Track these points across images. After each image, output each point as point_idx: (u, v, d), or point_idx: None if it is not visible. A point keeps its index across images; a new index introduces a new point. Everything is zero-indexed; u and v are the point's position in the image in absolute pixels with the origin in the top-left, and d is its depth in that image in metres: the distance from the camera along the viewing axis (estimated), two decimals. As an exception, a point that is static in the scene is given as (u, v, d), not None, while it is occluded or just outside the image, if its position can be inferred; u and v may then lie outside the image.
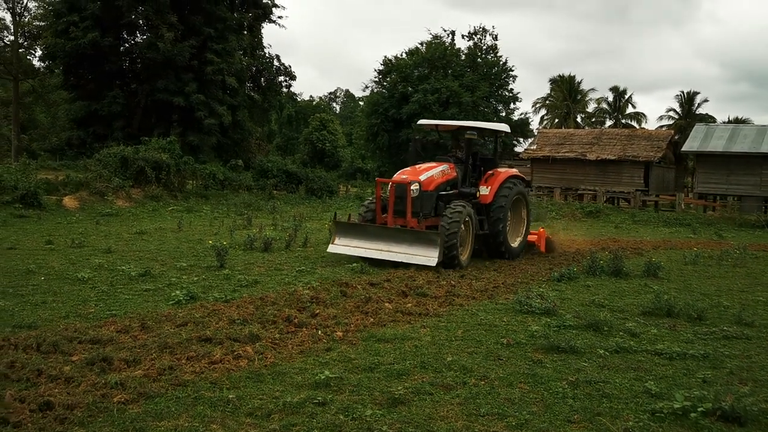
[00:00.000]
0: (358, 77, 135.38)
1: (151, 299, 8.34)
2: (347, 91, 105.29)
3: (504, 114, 49.75)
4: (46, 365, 5.34)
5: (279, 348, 6.37)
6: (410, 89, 47.39)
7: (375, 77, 53.24)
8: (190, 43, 34.70)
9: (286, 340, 6.68)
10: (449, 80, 46.83)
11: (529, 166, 49.85)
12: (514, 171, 14.52)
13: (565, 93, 67.59)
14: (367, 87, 56.87)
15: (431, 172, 12.67)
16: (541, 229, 15.70)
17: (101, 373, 5.28)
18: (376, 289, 9.58)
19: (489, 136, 19.82)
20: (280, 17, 42.17)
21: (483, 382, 5.58)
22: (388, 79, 51.34)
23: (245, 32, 41.25)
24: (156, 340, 6.26)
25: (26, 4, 43.67)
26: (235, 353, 6.02)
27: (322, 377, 5.37)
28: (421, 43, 51.42)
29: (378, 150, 50.96)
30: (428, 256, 11.37)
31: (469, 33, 50.83)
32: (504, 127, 14.92)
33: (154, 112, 37.30)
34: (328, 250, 12.38)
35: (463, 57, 50.19)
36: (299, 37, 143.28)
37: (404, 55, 51.90)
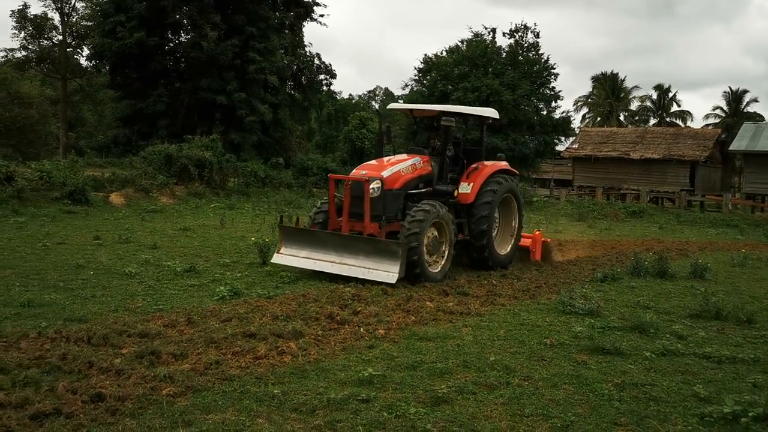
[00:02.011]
0: (397, 75, 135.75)
1: (196, 295, 8.48)
2: (386, 89, 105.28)
3: (545, 112, 49.17)
4: (97, 357, 5.47)
5: (322, 344, 6.42)
6: (450, 87, 47.14)
7: (415, 75, 53.05)
8: (233, 42, 35.13)
9: (329, 336, 6.73)
10: (490, 78, 46.44)
11: (570, 165, 49.33)
12: (503, 164, 12.38)
13: (608, 91, 66.55)
14: (406, 85, 56.70)
15: (398, 166, 10.74)
16: (537, 233, 13.67)
17: (150, 366, 5.39)
18: (416, 287, 9.58)
19: (473, 124, 17.88)
20: (321, 15, 42.45)
21: (527, 383, 5.54)
22: (428, 77, 51.16)
23: (286, 31, 41.59)
24: (202, 335, 6.37)
25: (74, 4, 44.67)
26: (279, 349, 6.09)
27: (366, 374, 5.40)
28: (462, 41, 51.11)
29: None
30: (387, 271, 9.38)
31: (510, 31, 50.28)
32: (491, 112, 12.76)
33: (197, 111, 37.86)
34: (272, 260, 10.50)
35: (504, 55, 49.69)
36: (339, 35, 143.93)
37: (444, 53, 51.67)
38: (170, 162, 25.36)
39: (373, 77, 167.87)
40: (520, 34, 50.10)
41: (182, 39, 38.41)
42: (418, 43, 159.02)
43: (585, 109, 69.64)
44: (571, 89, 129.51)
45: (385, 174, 10.47)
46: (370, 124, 61.69)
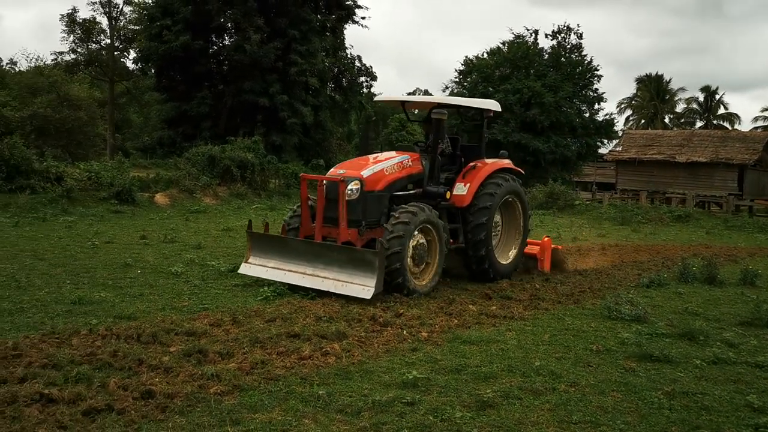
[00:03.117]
0: (437, 77, 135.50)
1: (240, 294, 8.57)
2: (426, 91, 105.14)
3: (588, 114, 48.56)
4: (146, 355, 5.57)
5: (365, 346, 6.44)
6: (491, 89, 46.90)
7: (455, 77, 52.92)
8: (275, 45, 35.48)
9: (372, 338, 6.74)
10: (531, 80, 46.05)
11: (613, 168, 48.55)
12: (505, 163, 11.07)
13: (653, 93, 65.37)
14: (447, 87, 56.64)
15: (381, 165, 9.59)
16: (546, 239, 12.23)
17: (197, 365, 5.47)
18: (459, 290, 9.53)
19: (471, 118, 16.95)
20: (363, 18, 42.57)
21: (573, 389, 5.46)
22: (468, 79, 50.97)
23: (328, 33, 41.86)
24: (247, 335, 6.44)
25: (122, 8, 45.74)
26: (323, 350, 6.12)
27: (410, 377, 5.39)
28: (503, 43, 50.78)
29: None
30: (362, 285, 8.23)
31: (552, 32, 49.76)
32: (491, 105, 11.18)
33: (240, 113, 38.34)
34: (239, 270, 9.45)
35: (546, 56, 49.25)
36: (379, 36, 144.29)
37: (485, 55, 51.43)
38: (213, 163, 25.74)
39: (413, 79, 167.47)
40: (562, 35, 49.54)
41: (226, 42, 38.96)
42: (457, 45, 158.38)
43: (629, 112, 68.56)
44: (614, 91, 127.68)
45: (365, 173, 9.30)
46: (409, 126, 61.77)
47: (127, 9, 45.63)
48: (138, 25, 43.03)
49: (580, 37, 49.52)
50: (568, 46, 49.68)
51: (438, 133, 10.15)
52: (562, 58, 48.99)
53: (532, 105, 44.97)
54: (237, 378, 5.18)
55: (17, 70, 46.79)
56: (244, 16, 35.53)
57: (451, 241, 9.96)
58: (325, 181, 9.23)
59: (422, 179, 10.10)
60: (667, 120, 66.11)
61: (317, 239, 9.04)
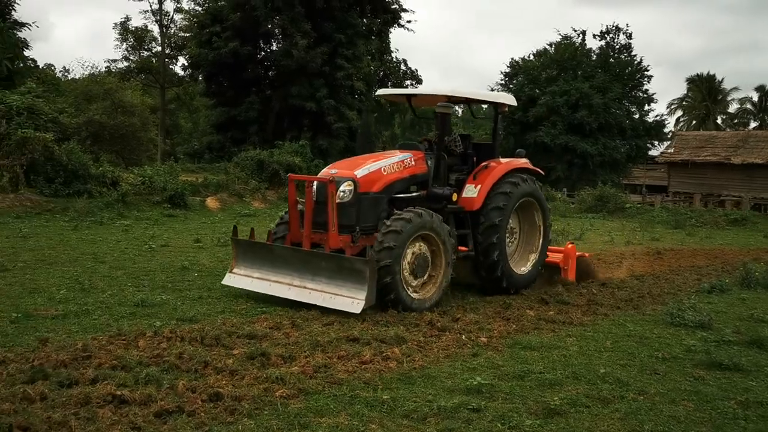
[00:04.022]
0: (481, 80, 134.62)
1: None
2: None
3: (637, 116, 47.66)
4: (211, 357, 5.64)
5: (425, 351, 6.40)
6: (537, 91, 46.44)
7: (501, 80, 52.56)
8: (322, 50, 35.75)
9: (431, 343, 6.70)
10: (579, 82, 45.42)
11: (664, 170, 47.52)
12: (521, 162, 10.11)
13: (704, 93, 63.78)
14: (492, 90, 56.28)
15: (378, 164, 8.75)
16: (570, 245, 11.02)
17: (261, 368, 5.50)
18: (514, 295, 9.40)
19: (480, 113, 14.67)
20: (408, 21, 42.59)
21: (642, 397, 5.33)
22: (514, 81, 50.56)
23: (374, 37, 42.03)
24: (307, 338, 6.47)
25: (172, 16, 46.75)
26: (384, 354, 6.10)
27: (474, 383, 5.33)
28: (550, 44, 50.26)
29: (503, 154, 50.19)
30: (352, 297, 7.49)
31: (601, 32, 49.03)
32: (506, 98, 10.29)
33: (287, 117, 38.74)
34: (223, 281, 8.77)
35: (595, 57, 48.54)
36: (423, 39, 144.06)
37: (531, 57, 50.96)
38: (262, 167, 26.11)
39: (457, 81, 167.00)
40: (611, 35, 48.74)
41: (273, 48, 39.44)
42: (503, 47, 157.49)
43: (679, 113, 67.02)
44: (664, 91, 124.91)
45: (359, 173, 8.47)
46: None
47: (178, 17, 46.65)
48: (188, 33, 43.89)
49: (629, 37, 48.68)
50: (617, 47, 48.86)
51: (443, 129, 9.20)
52: (611, 59, 48.22)
53: (580, 107, 44.33)
54: (301, 381, 5.20)
55: (70, 77, 48.18)
56: (292, 22, 35.91)
57: (464, 248, 9.15)
58: (314, 183, 8.46)
59: (427, 180, 9.17)
60: (719, 121, 64.42)
61: (305, 246, 8.26)
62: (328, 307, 7.56)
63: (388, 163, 8.82)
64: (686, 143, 42.22)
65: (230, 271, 8.76)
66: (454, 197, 9.12)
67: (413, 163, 9.09)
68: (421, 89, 9.98)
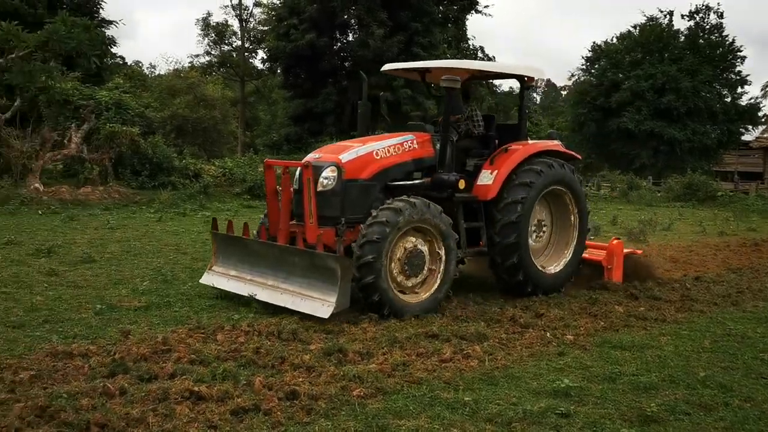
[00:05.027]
0: (560, 65, 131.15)
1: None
2: (548, 80, 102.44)
3: (729, 99, 45.28)
4: (288, 353, 5.54)
5: (508, 349, 6.12)
6: (621, 76, 44.78)
7: (582, 65, 51.04)
8: (398, 39, 35.54)
9: (514, 340, 6.41)
10: (666, 65, 43.54)
11: (758, 156, 45.07)
12: (550, 144, 8.87)
13: (804, 73, 60.02)
14: (573, 75, 54.76)
15: (369, 147, 7.71)
16: (615, 241, 9.55)
17: (338, 365, 5.36)
18: (601, 289, 8.94)
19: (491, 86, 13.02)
20: (486, 6, 41.78)
21: (749, 405, 4.89)
22: (596, 66, 48.99)
23: (450, 25, 41.49)
24: (385, 334, 6.28)
25: (251, 10, 47.61)
26: (464, 352, 5.86)
27: (562, 385, 5.01)
28: (635, 26, 48.38)
29: (584, 141, 48.86)
30: (322, 299, 6.62)
31: (689, 12, 46.82)
32: (532, 70, 8.86)
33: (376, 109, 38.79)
34: (201, 280, 8.05)
35: (683, 39, 46.39)
36: (499, 25, 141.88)
37: (614, 40, 49.19)
38: (339, 158, 26.18)
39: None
40: (701, 15, 46.44)
41: (350, 38, 39.51)
42: (583, 30, 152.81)
43: (775, 95, 63.31)
44: (759, 73, 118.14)
45: (344, 157, 7.48)
46: (533, 117, 60.07)
47: (257, 10, 47.49)
48: (266, 26, 44.58)
49: (721, 16, 46.30)
50: (707, 27, 46.52)
51: (451, 106, 8.01)
52: (701, 40, 45.97)
53: (666, 91, 42.53)
54: (379, 380, 5.02)
55: (156, 73, 49.85)
56: (368, 12, 35.85)
57: (481, 243, 8.13)
58: (291, 169, 7.65)
59: (435, 165, 8.09)
60: (820, 102, 60.53)
61: (280, 241, 7.42)
62: (297, 310, 6.72)
63: (381, 146, 7.76)
64: (784, 127, 39.81)
65: (209, 269, 8.05)
66: (462, 184, 7.90)
67: (415, 146, 8.00)
68: (433, 62, 9.12)
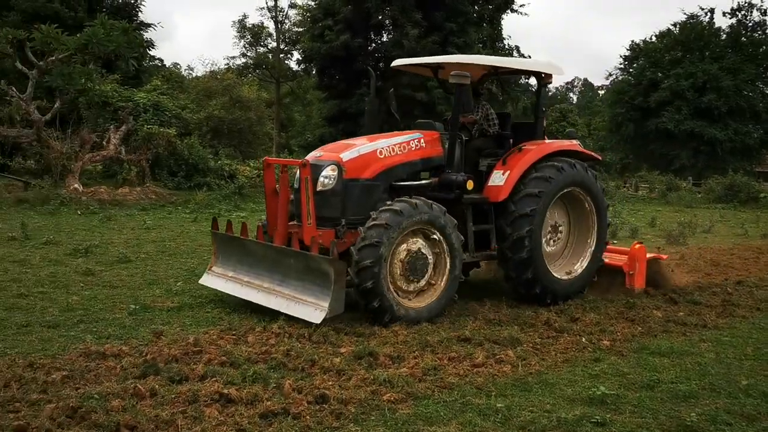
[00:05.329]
0: (597, 65, 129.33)
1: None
2: (585, 80, 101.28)
3: (773, 98, 44.15)
4: (318, 356, 5.50)
5: (542, 354, 5.99)
6: (660, 75, 43.96)
7: (620, 64, 50.29)
8: (433, 39, 35.41)
9: (548, 345, 6.28)
10: (707, 63, 42.62)
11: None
12: (567, 144, 8.55)
13: None
14: (610, 75, 54.04)
15: (372, 145, 7.44)
16: (637, 245, 8.90)
17: (369, 368, 5.30)
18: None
19: (507, 86, 12.54)
20: (522, 5, 41.41)
21: (795, 416, 4.69)
22: (634, 65, 48.22)
23: (485, 24, 41.19)
24: (416, 337, 6.22)
25: (287, 12, 47.93)
26: (497, 357, 5.76)
27: (598, 393, 4.88)
28: (674, 24, 47.48)
29: (622, 141, 48.11)
30: (315, 303, 6.42)
31: (731, 9, 45.79)
32: (550, 67, 8.63)
33: (399, 108, 38.73)
34: (200, 281, 7.92)
35: (724, 37, 45.38)
36: (536, 24, 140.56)
37: (653, 39, 48.35)
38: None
39: (571, 68, 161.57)
40: (743, 12, 45.35)
41: (384, 39, 39.50)
42: (621, 29, 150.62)
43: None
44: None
45: (346, 156, 7.21)
46: (570, 117, 59.43)
47: (292, 12, 47.78)
48: (301, 27, 44.83)
49: (764, 13, 45.15)
50: (750, 24, 45.43)
51: (461, 103, 7.66)
52: (743, 38, 44.90)
53: (707, 90, 41.63)
54: (410, 385, 4.95)
55: (194, 75, 50.53)
56: (402, 12, 35.79)
57: (493, 246, 7.83)
58: (287, 168, 7.34)
59: (443, 165, 7.80)
60: None
61: (276, 242, 7.20)
62: (290, 314, 6.52)
63: (386, 145, 7.46)
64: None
65: (208, 270, 7.88)
66: (470, 185, 7.54)
67: (423, 144, 7.70)
68: (445, 58, 8.67)
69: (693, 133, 41.33)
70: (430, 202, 7.00)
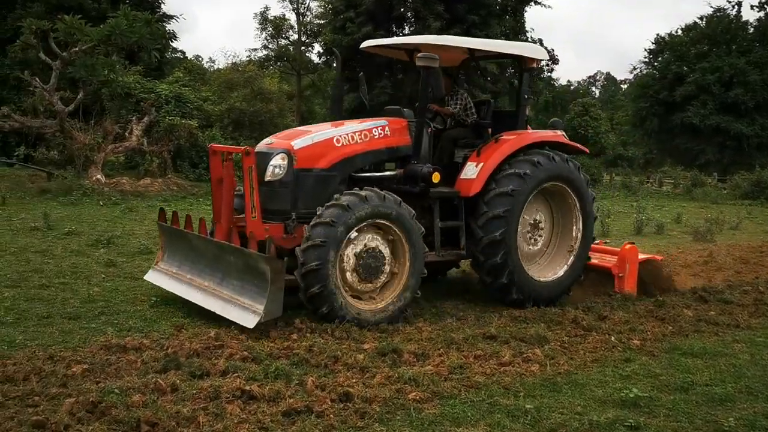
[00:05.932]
0: (621, 59, 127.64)
1: (429, 289, 8.15)
2: (608, 74, 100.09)
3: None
4: (341, 352, 5.38)
5: (570, 353, 5.84)
6: (686, 69, 43.30)
7: (644, 58, 49.63)
8: (455, 31, 35.03)
9: (576, 344, 6.12)
10: (734, 57, 41.90)
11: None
12: (550, 134, 7.91)
13: None
14: (634, 69, 53.36)
15: (329, 132, 6.91)
16: (628, 246, 8.28)
17: (393, 366, 5.19)
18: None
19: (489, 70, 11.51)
20: (546, -4, 40.90)
21: (837, 423, 4.50)
22: (659, 59, 47.54)
23: (508, 17, 40.80)
24: (441, 334, 6.10)
25: (308, 4, 47.85)
26: (524, 356, 5.61)
27: (630, 395, 4.72)
28: (701, 18, 46.74)
29: (645, 135, 47.49)
30: (250, 305, 5.92)
31: (759, 3, 44.89)
32: (533, 50, 8.03)
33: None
34: (145, 277, 7.39)
35: (752, 30, 44.58)
36: (560, 16, 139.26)
37: (679, 32, 47.62)
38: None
39: (593, 61, 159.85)
40: (772, 4, 44.49)
41: (406, 31, 39.26)
42: (646, 22, 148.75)
43: None
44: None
45: (297, 143, 6.68)
46: (593, 111, 58.64)
47: (314, 4, 47.69)
48: (323, 20, 44.71)
49: (794, 6, 44.19)
50: (779, 17, 44.57)
51: (428, 88, 6.97)
52: (772, 31, 44.09)
53: (734, 84, 40.96)
54: (435, 384, 4.82)
55: (216, 67, 50.63)
56: (424, 4, 35.54)
57: (462, 245, 7.29)
58: (231, 155, 6.83)
59: (411, 155, 7.21)
60: None
61: (218, 236, 6.66)
62: (225, 317, 6.03)
63: (344, 132, 6.90)
64: None
65: (155, 265, 7.36)
66: (436, 177, 6.94)
67: (388, 132, 7.10)
68: (418, 38, 7.99)
69: (719, 128, 40.70)
70: (383, 193, 6.43)
